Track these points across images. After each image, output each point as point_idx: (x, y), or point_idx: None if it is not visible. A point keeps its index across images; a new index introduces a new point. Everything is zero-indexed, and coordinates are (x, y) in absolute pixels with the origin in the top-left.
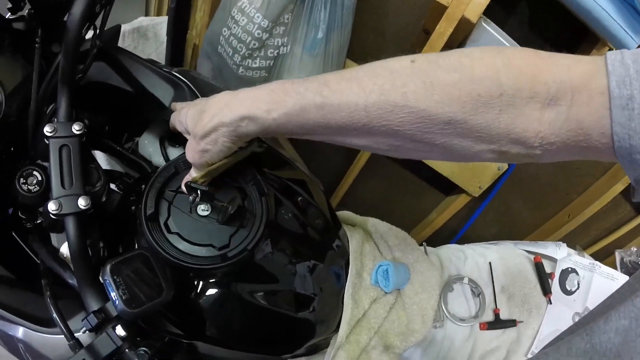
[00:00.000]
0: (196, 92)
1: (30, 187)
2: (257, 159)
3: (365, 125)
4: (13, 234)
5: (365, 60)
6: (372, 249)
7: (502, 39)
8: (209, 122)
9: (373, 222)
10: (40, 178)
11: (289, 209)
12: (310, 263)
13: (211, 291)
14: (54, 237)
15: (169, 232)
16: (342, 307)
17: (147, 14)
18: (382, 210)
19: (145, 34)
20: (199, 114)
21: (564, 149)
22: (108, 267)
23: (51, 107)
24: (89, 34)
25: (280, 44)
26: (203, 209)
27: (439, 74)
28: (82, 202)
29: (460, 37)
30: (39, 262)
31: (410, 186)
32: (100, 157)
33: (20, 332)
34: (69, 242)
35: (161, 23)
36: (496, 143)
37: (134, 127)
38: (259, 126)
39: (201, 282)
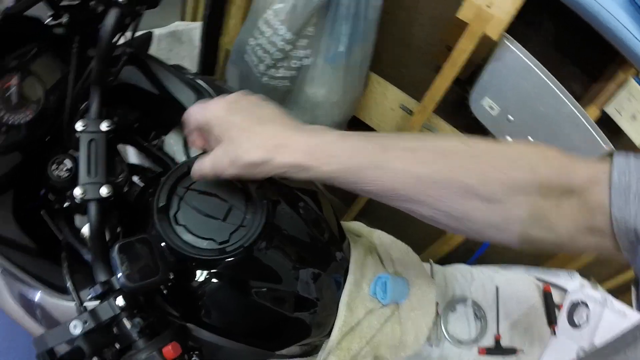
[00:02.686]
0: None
1: (61, 174)
2: None
3: (415, 194)
4: (42, 212)
5: (388, 74)
6: (375, 261)
7: (526, 59)
8: (253, 155)
9: (379, 235)
10: (70, 166)
11: (292, 215)
12: (309, 268)
13: (208, 281)
14: (77, 218)
15: (177, 224)
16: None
17: (182, 19)
18: (399, 224)
19: (180, 38)
20: (238, 132)
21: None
22: (116, 247)
23: (84, 104)
24: (123, 40)
25: (303, 55)
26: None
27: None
28: (104, 191)
29: (483, 54)
30: (61, 238)
31: None
32: (131, 152)
33: (38, 296)
34: (90, 224)
35: (195, 28)
36: None
37: (161, 127)
38: (310, 175)
39: (200, 272)
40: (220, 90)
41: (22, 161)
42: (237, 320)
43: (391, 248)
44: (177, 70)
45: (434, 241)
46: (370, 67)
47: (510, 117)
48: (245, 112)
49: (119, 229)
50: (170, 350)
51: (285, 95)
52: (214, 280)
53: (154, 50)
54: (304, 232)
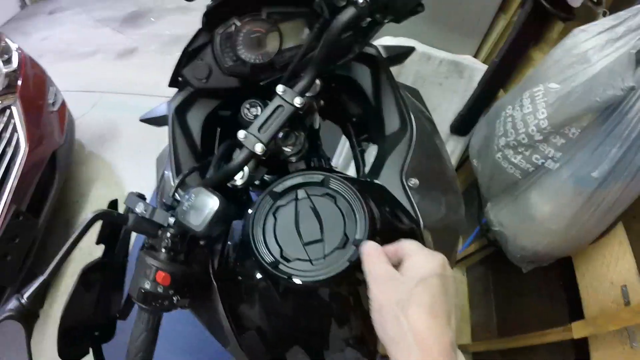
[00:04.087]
0: (412, 142)
1: (249, 114)
2: None
3: None
4: (218, 129)
5: None
6: None
7: None
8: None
9: None
10: (258, 113)
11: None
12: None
13: (259, 281)
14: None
15: (273, 215)
16: None
17: (475, 56)
18: None
19: (462, 71)
20: (431, 299)
21: None
22: (196, 188)
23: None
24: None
25: (550, 155)
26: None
27: None
28: (258, 148)
29: None
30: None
31: None
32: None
33: (167, 174)
34: (235, 161)
35: (481, 70)
36: None
37: (372, 135)
38: None
39: (256, 272)
40: (422, 139)
41: (236, 87)
42: (259, 327)
43: None
44: (412, 96)
45: None
46: (623, 219)
47: None
48: (444, 315)
49: (257, 182)
50: (162, 276)
51: (508, 186)
52: (262, 281)
53: (430, 70)
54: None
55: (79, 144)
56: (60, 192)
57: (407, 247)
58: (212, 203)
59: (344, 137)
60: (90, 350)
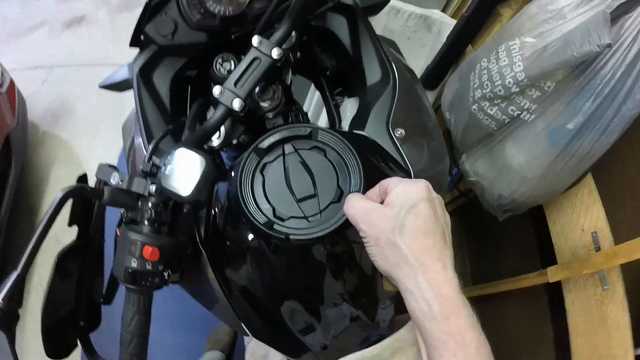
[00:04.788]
0: (396, 92)
1: (222, 70)
2: None
3: None
4: (189, 86)
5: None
6: None
7: None
8: (404, 268)
9: None
10: (230, 68)
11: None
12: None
13: (251, 241)
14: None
15: (260, 172)
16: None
17: (443, 10)
18: None
19: (430, 26)
20: (421, 257)
21: None
22: (177, 150)
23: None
24: None
25: (525, 107)
26: None
27: None
28: (236, 104)
29: None
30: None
31: None
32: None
33: (138, 141)
34: (211, 119)
35: (449, 25)
36: None
37: (349, 88)
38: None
39: (248, 233)
40: (407, 87)
41: (205, 42)
42: (256, 290)
43: None
44: (390, 46)
45: None
46: (592, 171)
47: None
48: (438, 234)
49: (235, 141)
50: (149, 251)
51: (483, 137)
52: (254, 243)
53: (399, 24)
54: (357, 274)
55: (32, 125)
56: (18, 179)
57: (389, 181)
58: (198, 163)
59: (311, 91)
60: (79, 342)
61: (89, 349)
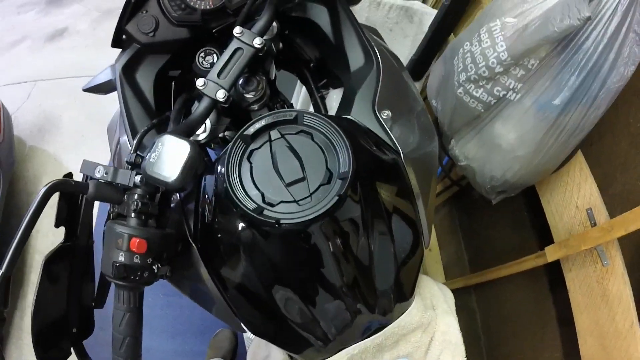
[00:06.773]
0: (380, 75)
1: (204, 63)
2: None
3: None
4: (173, 82)
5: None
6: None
7: None
8: None
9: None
10: (213, 61)
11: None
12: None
13: (241, 229)
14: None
15: (247, 159)
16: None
17: (423, 1)
18: None
19: (411, 16)
20: None
21: None
22: (162, 137)
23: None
24: None
25: (511, 87)
26: None
27: None
28: (220, 94)
29: None
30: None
31: None
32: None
33: (123, 139)
34: (196, 111)
35: (430, 14)
36: None
37: (335, 79)
38: None
39: (238, 222)
40: (390, 69)
41: (186, 38)
42: (246, 282)
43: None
44: (371, 33)
45: None
46: (582, 148)
47: None
48: None
49: (221, 134)
50: (136, 243)
51: (471, 120)
52: (245, 232)
53: (380, 16)
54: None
55: (18, 141)
56: (7, 195)
57: None
58: (183, 148)
59: (297, 87)
60: (72, 350)
61: (83, 356)
